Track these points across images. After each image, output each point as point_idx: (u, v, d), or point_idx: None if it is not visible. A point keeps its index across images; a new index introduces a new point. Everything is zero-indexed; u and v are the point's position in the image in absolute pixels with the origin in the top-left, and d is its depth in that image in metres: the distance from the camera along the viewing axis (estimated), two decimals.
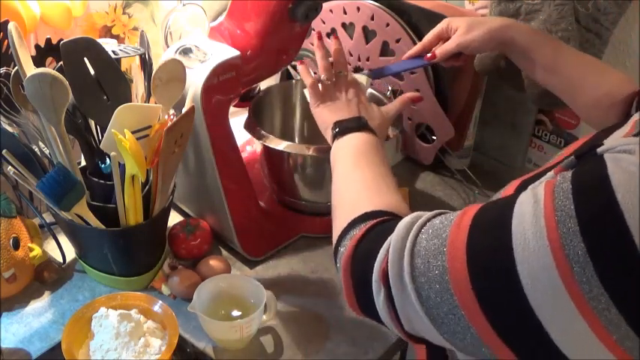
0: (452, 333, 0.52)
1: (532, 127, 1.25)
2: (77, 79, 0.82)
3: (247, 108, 1.03)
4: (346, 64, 0.90)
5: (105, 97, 0.85)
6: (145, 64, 0.93)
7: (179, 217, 1.07)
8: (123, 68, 1.01)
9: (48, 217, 0.97)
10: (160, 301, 0.82)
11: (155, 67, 0.83)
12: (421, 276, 0.52)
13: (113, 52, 0.87)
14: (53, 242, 0.95)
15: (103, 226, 0.85)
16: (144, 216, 0.87)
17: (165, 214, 0.94)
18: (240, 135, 1.00)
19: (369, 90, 0.96)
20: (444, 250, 0.51)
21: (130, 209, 0.85)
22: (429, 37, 0.95)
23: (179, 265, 0.95)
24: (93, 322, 0.79)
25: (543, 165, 0.63)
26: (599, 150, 0.49)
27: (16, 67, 0.79)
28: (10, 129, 0.85)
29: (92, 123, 0.90)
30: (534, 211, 0.47)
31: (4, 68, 0.83)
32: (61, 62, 0.82)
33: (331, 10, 1.21)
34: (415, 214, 0.58)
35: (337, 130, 0.79)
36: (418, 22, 1.12)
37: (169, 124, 0.80)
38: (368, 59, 1.20)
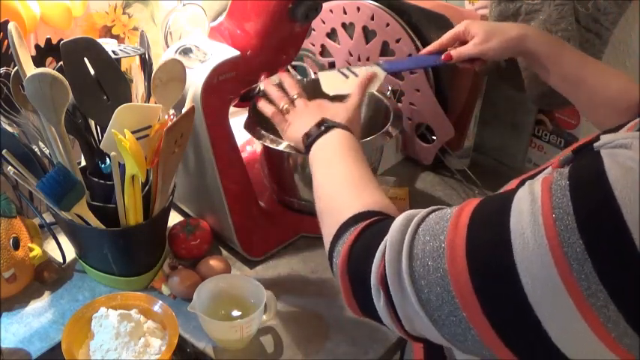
0: (453, 334, 0.52)
1: (532, 127, 1.25)
2: (77, 79, 0.82)
3: (247, 108, 1.03)
4: (296, 85, 0.92)
5: (105, 97, 0.85)
6: (145, 64, 0.93)
7: (179, 217, 1.07)
8: (123, 68, 1.01)
9: (48, 217, 0.97)
10: (160, 301, 0.82)
11: (155, 67, 0.83)
12: (421, 279, 0.52)
13: (113, 52, 0.87)
14: (53, 242, 0.95)
15: (103, 226, 0.85)
16: (144, 216, 0.87)
17: (165, 214, 0.94)
18: (240, 135, 1.00)
19: (369, 91, 0.97)
20: (442, 253, 0.51)
21: (130, 209, 0.85)
22: (446, 36, 0.98)
23: (179, 265, 0.95)
24: (93, 322, 0.78)
25: (543, 165, 0.63)
26: (595, 145, 0.49)
27: (16, 67, 0.79)
28: (10, 129, 0.85)
29: (92, 123, 0.90)
30: (532, 209, 0.47)
31: (4, 68, 0.83)
32: (61, 62, 0.82)
33: (331, 10, 1.21)
34: (408, 212, 0.57)
35: (308, 140, 0.80)
36: (418, 22, 1.12)
37: (169, 124, 0.80)
38: (368, 59, 1.20)
